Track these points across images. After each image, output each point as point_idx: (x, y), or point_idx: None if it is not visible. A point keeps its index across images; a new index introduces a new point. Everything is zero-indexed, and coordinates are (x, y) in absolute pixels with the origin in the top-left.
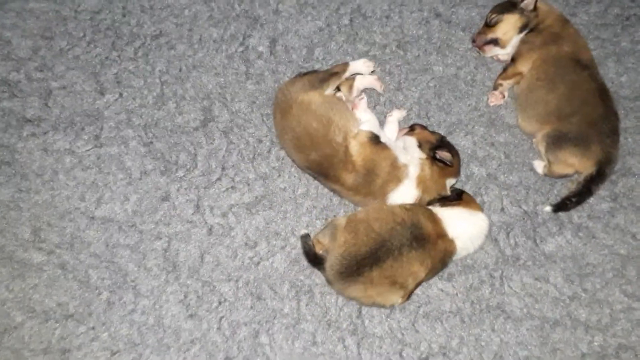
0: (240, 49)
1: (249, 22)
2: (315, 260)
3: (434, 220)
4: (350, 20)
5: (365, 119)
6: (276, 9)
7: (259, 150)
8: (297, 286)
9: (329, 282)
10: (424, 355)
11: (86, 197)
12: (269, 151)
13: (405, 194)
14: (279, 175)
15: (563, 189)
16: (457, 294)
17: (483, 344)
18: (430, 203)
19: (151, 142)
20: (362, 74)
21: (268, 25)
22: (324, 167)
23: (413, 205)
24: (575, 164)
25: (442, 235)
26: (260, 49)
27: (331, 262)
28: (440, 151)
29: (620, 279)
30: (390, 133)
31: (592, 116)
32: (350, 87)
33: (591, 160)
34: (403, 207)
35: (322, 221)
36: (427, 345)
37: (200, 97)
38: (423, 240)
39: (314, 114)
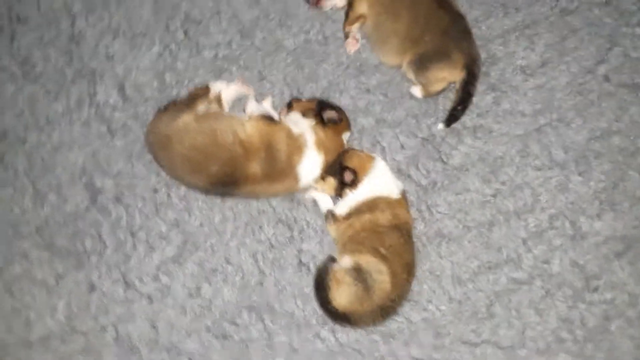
0: (92, 110)
1: (87, 80)
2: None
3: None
4: (185, 33)
5: (254, 110)
6: (107, 53)
7: (158, 200)
8: (255, 308)
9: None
10: None
11: (13, 327)
12: (169, 196)
13: (311, 162)
14: (190, 214)
15: (447, 102)
16: None
17: (438, 273)
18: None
19: (51, 243)
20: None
21: (107, 74)
22: (229, 173)
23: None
24: (446, 77)
25: (394, 205)
26: (111, 100)
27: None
28: (324, 113)
29: (527, 158)
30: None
31: (440, 27)
32: (220, 102)
33: (458, 66)
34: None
35: (251, 238)
36: None
37: (77, 176)
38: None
39: (195, 131)
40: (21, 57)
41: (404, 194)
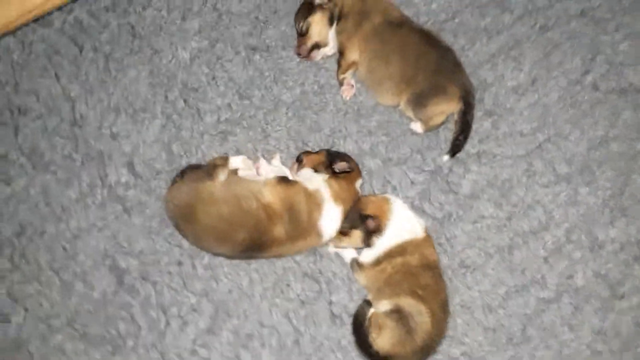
0: (105, 191)
1: (96, 162)
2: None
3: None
4: (185, 101)
5: (268, 172)
6: (112, 133)
7: (184, 273)
8: None
9: None
10: None
11: None
12: (194, 267)
13: (332, 216)
14: (217, 282)
15: (447, 133)
16: None
17: (469, 305)
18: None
19: (84, 333)
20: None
21: (115, 153)
22: (255, 239)
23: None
24: (444, 110)
25: (420, 245)
26: (123, 179)
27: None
28: (335, 165)
29: (534, 177)
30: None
31: (431, 64)
32: (236, 171)
33: (454, 99)
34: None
35: (281, 297)
36: None
37: (100, 260)
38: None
39: (220, 201)
40: (28, 148)
41: (427, 230)
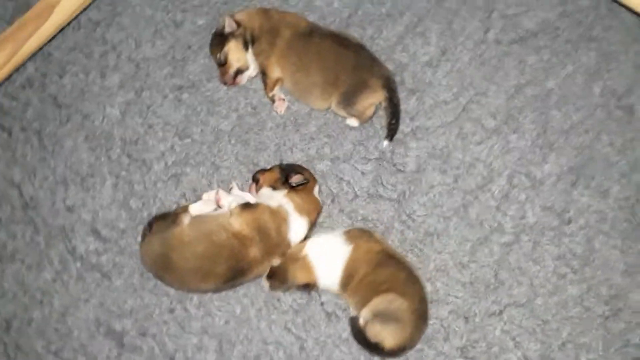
0: (78, 264)
1: (60, 238)
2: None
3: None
4: (128, 156)
5: (230, 202)
6: (67, 206)
7: (179, 318)
8: None
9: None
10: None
11: None
12: (186, 310)
13: (298, 227)
14: (212, 317)
15: (381, 120)
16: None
17: (443, 268)
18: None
19: None
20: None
21: (76, 224)
22: (234, 267)
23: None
24: (372, 101)
25: (360, 250)
26: (91, 247)
27: None
28: (292, 180)
29: (467, 138)
30: (248, 199)
31: (350, 64)
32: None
33: (378, 89)
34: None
35: (276, 313)
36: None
37: (94, 330)
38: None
39: (192, 242)
40: None
41: (353, 233)
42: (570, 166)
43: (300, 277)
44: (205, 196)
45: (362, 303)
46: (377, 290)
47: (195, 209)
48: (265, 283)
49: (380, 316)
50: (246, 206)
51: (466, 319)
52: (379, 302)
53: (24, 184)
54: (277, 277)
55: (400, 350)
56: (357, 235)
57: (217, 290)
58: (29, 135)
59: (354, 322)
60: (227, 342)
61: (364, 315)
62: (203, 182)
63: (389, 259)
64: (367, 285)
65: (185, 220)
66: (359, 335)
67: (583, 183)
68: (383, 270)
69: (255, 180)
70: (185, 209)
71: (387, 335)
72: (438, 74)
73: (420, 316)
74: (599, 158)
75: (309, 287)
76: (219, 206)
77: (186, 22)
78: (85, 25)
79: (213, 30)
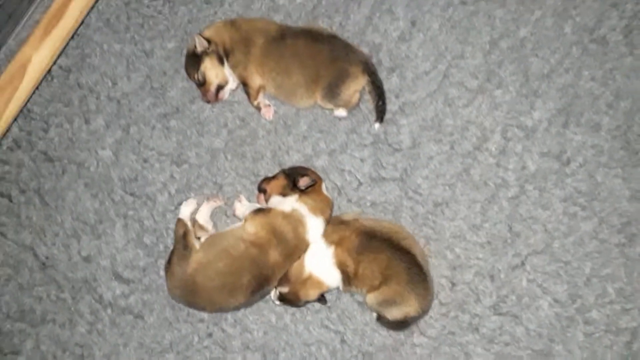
0: (109, 311)
1: (85, 290)
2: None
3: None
4: (131, 194)
5: (245, 211)
6: (83, 257)
7: (219, 340)
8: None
9: None
10: None
11: None
12: (223, 330)
13: (315, 227)
14: (250, 332)
15: (368, 104)
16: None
17: (458, 233)
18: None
19: None
20: (196, 211)
21: (97, 273)
22: (258, 275)
23: None
24: (356, 88)
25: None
26: (118, 291)
27: None
28: (300, 184)
29: (453, 102)
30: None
31: (327, 57)
32: (200, 227)
33: (359, 75)
34: None
35: (310, 314)
36: None
37: None
38: None
39: (212, 260)
40: (16, 312)
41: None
42: (558, 108)
43: (313, 294)
44: (203, 210)
45: (368, 290)
46: (373, 281)
47: (185, 210)
48: (276, 302)
49: (384, 303)
50: (259, 210)
51: (492, 277)
52: (373, 298)
53: (36, 245)
54: (289, 301)
55: (423, 312)
56: (330, 233)
57: (248, 303)
58: (29, 196)
59: (377, 314)
60: (270, 352)
61: (373, 309)
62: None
63: (364, 242)
64: (362, 279)
65: (196, 242)
66: (386, 323)
67: (574, 122)
68: (365, 259)
69: (261, 190)
70: (183, 226)
71: (408, 308)
72: (413, 46)
73: (418, 279)
74: (584, 94)
75: (323, 296)
76: (236, 216)
77: (156, 49)
78: (57, 75)
79: (184, 52)
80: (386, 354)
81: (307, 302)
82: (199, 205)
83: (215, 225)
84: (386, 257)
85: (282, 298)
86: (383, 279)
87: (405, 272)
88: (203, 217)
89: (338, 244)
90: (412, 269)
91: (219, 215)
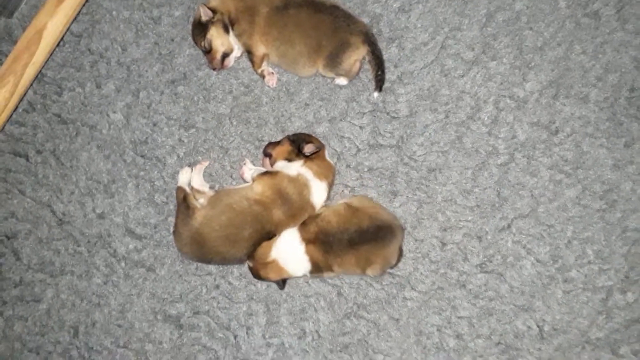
0: (123, 263)
1: (100, 245)
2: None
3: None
4: (142, 156)
5: (252, 174)
6: (97, 214)
7: (225, 291)
8: (354, 313)
9: None
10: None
11: None
12: (230, 283)
13: (320, 191)
14: (255, 285)
15: (367, 73)
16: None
17: (450, 197)
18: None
19: None
20: (191, 176)
21: (111, 229)
22: (260, 229)
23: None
24: (357, 58)
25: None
26: (131, 246)
27: None
28: (305, 150)
29: (449, 73)
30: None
31: (328, 27)
32: (198, 192)
33: (359, 45)
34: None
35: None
36: None
37: (153, 318)
38: None
39: (217, 214)
40: (36, 264)
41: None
42: (550, 80)
43: (273, 276)
44: (193, 171)
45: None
46: (356, 270)
47: (183, 177)
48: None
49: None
50: (266, 172)
51: (479, 238)
52: (372, 271)
53: (54, 202)
54: (253, 274)
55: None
56: (304, 230)
57: (250, 255)
58: (45, 156)
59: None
60: (272, 303)
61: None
62: (216, 167)
63: (326, 245)
64: (345, 270)
65: (197, 203)
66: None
67: (563, 93)
68: (335, 263)
69: (267, 154)
70: (182, 192)
71: (386, 261)
72: (412, 17)
73: (377, 236)
74: (575, 67)
75: (283, 281)
76: (244, 179)
77: (163, 16)
78: (69, 40)
79: (191, 21)
80: (379, 305)
81: (268, 280)
82: (195, 173)
83: (216, 185)
84: (353, 256)
85: (250, 269)
86: (363, 265)
87: (379, 245)
88: (196, 181)
89: (310, 241)
90: (379, 235)
91: (224, 177)
